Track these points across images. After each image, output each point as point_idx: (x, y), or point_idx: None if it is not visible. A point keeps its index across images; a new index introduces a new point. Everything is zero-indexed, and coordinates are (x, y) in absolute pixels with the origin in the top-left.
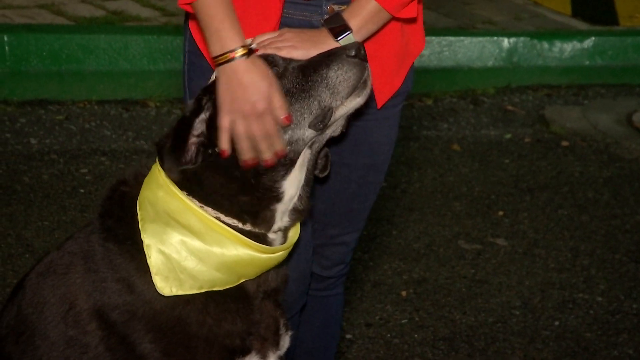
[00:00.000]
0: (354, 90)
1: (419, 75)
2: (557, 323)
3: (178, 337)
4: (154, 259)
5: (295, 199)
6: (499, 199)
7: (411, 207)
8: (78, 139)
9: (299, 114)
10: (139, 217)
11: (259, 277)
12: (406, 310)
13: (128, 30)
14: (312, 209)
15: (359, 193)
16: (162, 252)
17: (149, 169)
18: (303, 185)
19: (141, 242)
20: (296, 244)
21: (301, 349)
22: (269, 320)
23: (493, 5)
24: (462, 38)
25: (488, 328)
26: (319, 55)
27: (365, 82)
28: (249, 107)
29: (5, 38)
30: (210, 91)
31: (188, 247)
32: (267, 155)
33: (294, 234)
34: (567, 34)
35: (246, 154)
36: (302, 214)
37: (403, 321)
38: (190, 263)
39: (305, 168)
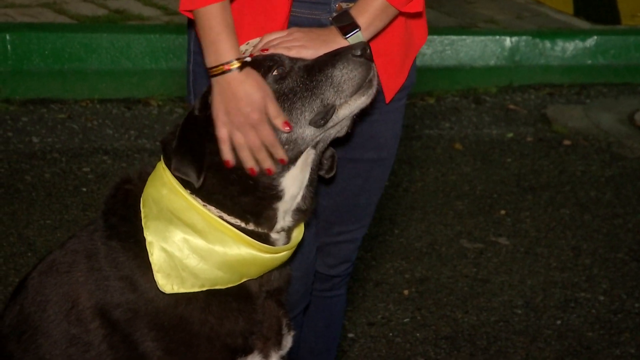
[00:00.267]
0: (358, 89)
1: (421, 74)
2: (559, 322)
3: (180, 335)
4: (156, 257)
5: (299, 198)
6: (501, 198)
7: (413, 206)
8: (80, 137)
9: (299, 112)
10: (142, 215)
11: (261, 276)
12: (408, 309)
13: (130, 29)
14: (317, 208)
15: (365, 188)
16: (164, 250)
17: (153, 167)
18: (307, 186)
19: (144, 239)
20: (300, 244)
21: (304, 349)
22: (271, 319)
23: (495, 4)
24: (464, 37)
25: (490, 327)
26: (325, 54)
27: (370, 81)
28: (243, 118)
29: (8, 37)
30: None
31: (190, 245)
32: (267, 164)
33: (298, 234)
34: (569, 33)
35: (248, 163)
36: (306, 214)
37: (405, 320)
38: (192, 261)
39: (309, 168)
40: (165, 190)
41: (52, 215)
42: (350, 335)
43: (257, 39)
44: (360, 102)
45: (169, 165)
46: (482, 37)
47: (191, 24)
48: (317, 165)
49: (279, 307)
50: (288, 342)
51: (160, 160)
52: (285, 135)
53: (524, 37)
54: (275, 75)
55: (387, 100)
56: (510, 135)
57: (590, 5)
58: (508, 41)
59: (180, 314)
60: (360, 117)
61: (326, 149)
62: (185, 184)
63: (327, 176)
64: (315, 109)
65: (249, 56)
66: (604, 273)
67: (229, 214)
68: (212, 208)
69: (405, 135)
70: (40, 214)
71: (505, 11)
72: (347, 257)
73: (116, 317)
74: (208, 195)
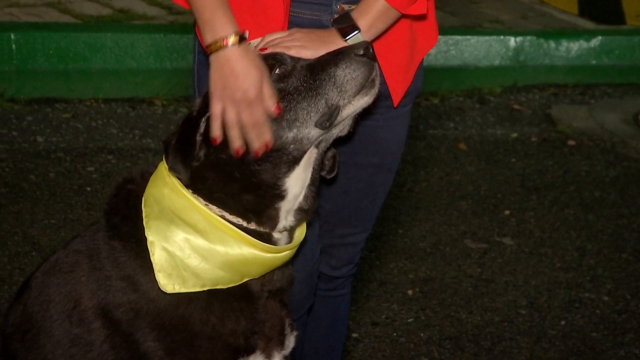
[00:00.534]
0: (361, 89)
1: (426, 74)
2: (563, 322)
3: (182, 335)
4: (157, 256)
5: (301, 198)
6: (506, 198)
7: (417, 206)
8: (85, 137)
9: (305, 112)
10: (144, 214)
11: (263, 276)
12: (412, 309)
13: (135, 29)
14: (319, 209)
15: (368, 192)
16: (165, 250)
17: (155, 167)
18: (309, 185)
19: (146, 239)
20: (302, 244)
21: (308, 349)
22: (274, 319)
23: (500, 4)
24: (468, 37)
25: (494, 327)
26: (328, 54)
27: (373, 81)
28: (240, 94)
29: (12, 36)
30: None
31: (192, 245)
32: (256, 145)
33: (300, 234)
34: (573, 33)
35: (235, 142)
36: (308, 214)
37: (409, 320)
38: (194, 261)
39: (311, 167)
40: (166, 189)
41: (57, 214)
42: (354, 335)
43: (259, 39)
44: (363, 101)
45: (168, 165)
46: (487, 37)
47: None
48: (319, 165)
49: (281, 307)
50: (291, 342)
51: (162, 160)
52: (291, 135)
53: (528, 37)
54: (277, 73)
55: (395, 104)
56: (515, 135)
57: (594, 5)
58: (512, 41)
59: (182, 314)
60: (362, 116)
61: (328, 149)
62: (187, 184)
63: (328, 177)
64: (320, 110)
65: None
66: (608, 273)
67: (230, 213)
68: (214, 207)
69: (410, 135)
70: (45, 213)
71: (509, 11)
72: (350, 259)
73: (118, 317)
74: (210, 194)
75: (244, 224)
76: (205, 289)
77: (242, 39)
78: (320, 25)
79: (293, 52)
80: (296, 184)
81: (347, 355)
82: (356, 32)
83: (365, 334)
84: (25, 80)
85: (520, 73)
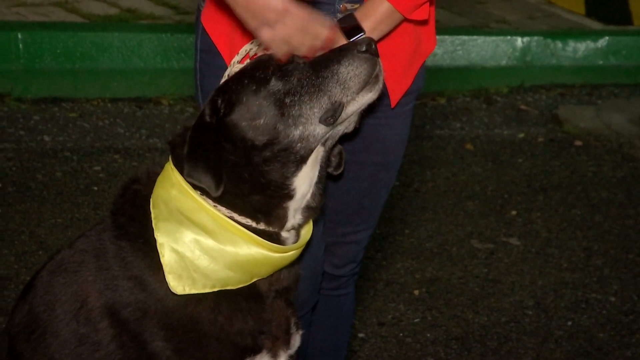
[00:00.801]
0: (365, 85)
1: (432, 75)
2: (570, 323)
3: (189, 335)
4: (167, 258)
5: (308, 196)
6: (512, 199)
7: (424, 206)
8: (91, 136)
9: (308, 108)
10: (153, 216)
11: (271, 275)
12: (419, 310)
13: (141, 28)
14: (324, 207)
15: (371, 191)
16: (175, 251)
17: (161, 167)
18: (316, 183)
19: (153, 240)
20: (308, 243)
21: (313, 348)
22: (280, 319)
23: (507, 5)
24: (475, 37)
25: (501, 328)
26: (330, 51)
27: (377, 77)
28: (270, 14)
29: (20, 36)
30: (224, 91)
31: (201, 246)
32: (306, 45)
33: (307, 232)
34: (580, 34)
35: (280, 52)
36: (315, 211)
37: (415, 320)
38: (204, 262)
39: (318, 165)
40: (174, 191)
41: (63, 213)
42: (361, 335)
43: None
44: (367, 97)
45: (177, 167)
46: (494, 37)
47: (199, 21)
48: (326, 162)
49: (287, 306)
50: (296, 341)
51: (168, 160)
52: (297, 132)
53: (535, 38)
54: (282, 71)
55: (393, 104)
56: (522, 135)
57: (601, 5)
58: (519, 41)
59: (190, 313)
60: (368, 111)
61: (334, 146)
62: (195, 186)
63: (335, 173)
64: (323, 106)
65: (254, 55)
66: (615, 274)
67: (239, 214)
68: (223, 208)
69: (416, 136)
70: (52, 212)
71: (516, 11)
72: (353, 257)
73: (125, 317)
74: (219, 195)
75: (253, 224)
76: (215, 289)
77: None
78: None
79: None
80: (304, 182)
81: (353, 354)
82: (361, 34)
83: (372, 333)
84: (32, 79)
85: (527, 73)
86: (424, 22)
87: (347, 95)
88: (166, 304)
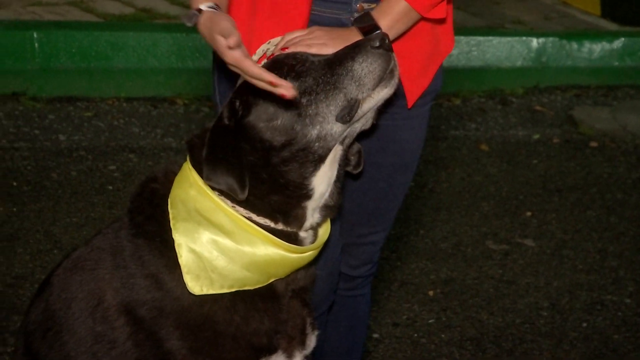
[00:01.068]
0: (380, 81)
1: (447, 75)
2: (585, 325)
3: (206, 334)
4: (185, 258)
5: (327, 195)
6: (527, 200)
7: (439, 207)
8: (106, 135)
9: (325, 106)
10: (171, 216)
11: (288, 275)
12: (433, 310)
13: (157, 28)
14: (342, 206)
15: (387, 192)
16: (193, 251)
17: (179, 166)
18: (334, 182)
19: (170, 239)
20: (326, 243)
21: (328, 349)
22: (296, 319)
23: (522, 5)
24: (490, 38)
25: (515, 329)
26: (345, 48)
27: (392, 72)
28: (221, 52)
29: (35, 35)
30: (241, 93)
31: (219, 246)
32: (279, 90)
33: (324, 232)
34: (596, 35)
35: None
36: (333, 210)
37: (430, 321)
38: (221, 262)
39: (336, 164)
40: (192, 191)
41: (78, 213)
42: (375, 335)
43: (279, 38)
44: (383, 93)
45: (195, 167)
46: (509, 38)
47: None
48: (344, 161)
49: (303, 306)
50: (312, 341)
51: (186, 160)
52: (315, 132)
53: (550, 39)
54: (297, 71)
55: (409, 104)
56: (537, 136)
57: (617, 6)
58: (535, 42)
59: (206, 313)
60: (385, 107)
61: (352, 144)
62: (214, 186)
63: (355, 172)
64: (339, 104)
65: (271, 55)
66: (630, 275)
67: (257, 214)
68: (241, 209)
69: (431, 136)
70: (67, 211)
71: (532, 12)
72: (369, 258)
73: (141, 315)
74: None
75: (271, 224)
76: (233, 290)
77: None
78: (340, 24)
79: (314, 50)
80: (322, 182)
81: (367, 355)
82: (377, 32)
83: (386, 334)
84: (47, 78)
85: (543, 74)
86: (441, 22)
87: (363, 92)
88: (182, 303)
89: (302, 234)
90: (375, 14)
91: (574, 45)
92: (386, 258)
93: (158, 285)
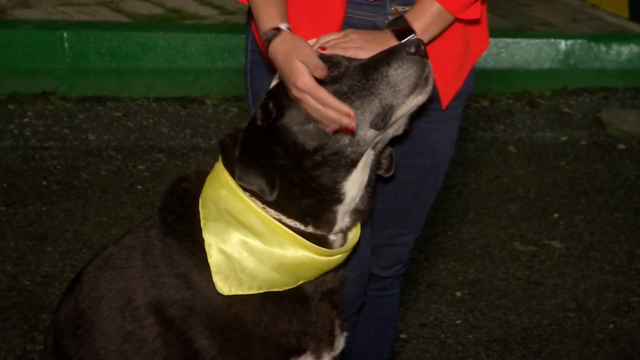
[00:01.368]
0: (415, 88)
1: (476, 77)
2: (612, 326)
3: (235, 334)
4: (214, 258)
5: (357, 199)
6: (555, 201)
7: (466, 208)
8: (136, 135)
9: (359, 112)
10: (202, 216)
11: (317, 278)
12: (460, 311)
13: (186, 28)
14: (372, 209)
15: (418, 194)
16: (223, 252)
17: (210, 166)
18: (365, 186)
19: (201, 239)
20: (355, 246)
21: (357, 349)
22: (324, 320)
23: (550, 7)
24: (519, 40)
25: (542, 330)
26: (380, 53)
27: (426, 79)
28: (291, 86)
29: (65, 35)
30: (275, 95)
31: (249, 247)
32: (337, 122)
33: (354, 236)
34: (624, 37)
35: (324, 124)
36: (363, 214)
37: (457, 322)
38: (251, 263)
39: (368, 169)
40: (224, 191)
41: (108, 212)
42: (403, 336)
43: (314, 40)
44: (417, 100)
45: (228, 168)
46: (537, 40)
47: (249, 22)
48: (376, 165)
49: (332, 308)
50: (340, 343)
51: (217, 160)
52: (348, 137)
53: (579, 41)
54: (333, 75)
55: (444, 106)
56: (565, 138)
57: None
58: (563, 44)
59: (235, 313)
60: (418, 113)
61: (384, 148)
62: (245, 187)
63: (386, 175)
64: (374, 110)
65: None
66: None
67: (288, 217)
68: (271, 210)
69: (460, 138)
70: (96, 210)
71: (560, 14)
72: (399, 259)
73: (171, 314)
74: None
75: (301, 227)
76: (262, 291)
77: (277, 29)
78: (374, 27)
79: (350, 54)
80: (354, 186)
81: (395, 355)
82: (412, 35)
83: (414, 334)
84: (77, 78)
85: (571, 76)
86: (475, 22)
87: (398, 98)
88: (212, 303)
89: (331, 237)
90: (409, 17)
91: (602, 47)
92: (414, 259)
93: (188, 285)
